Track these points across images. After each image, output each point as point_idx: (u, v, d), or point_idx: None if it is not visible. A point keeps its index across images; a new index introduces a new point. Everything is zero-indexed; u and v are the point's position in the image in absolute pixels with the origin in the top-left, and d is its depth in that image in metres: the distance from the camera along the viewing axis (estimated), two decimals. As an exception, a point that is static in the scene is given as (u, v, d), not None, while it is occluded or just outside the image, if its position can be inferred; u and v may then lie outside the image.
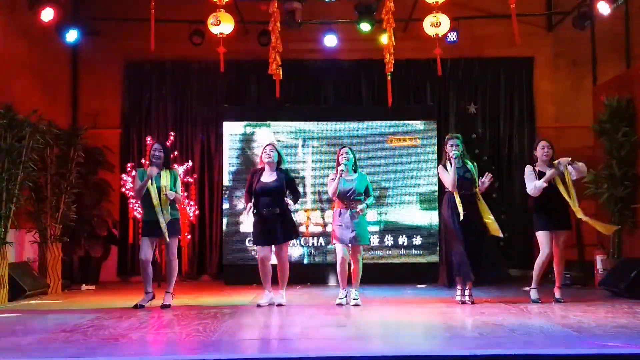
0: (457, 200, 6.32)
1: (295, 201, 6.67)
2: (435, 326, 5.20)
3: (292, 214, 6.70)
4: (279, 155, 6.65)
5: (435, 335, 4.75)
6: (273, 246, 6.56)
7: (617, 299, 6.80)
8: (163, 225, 6.33)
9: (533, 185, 6.56)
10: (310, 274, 8.86)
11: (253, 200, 6.50)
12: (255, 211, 6.48)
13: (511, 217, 9.24)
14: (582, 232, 8.67)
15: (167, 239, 6.38)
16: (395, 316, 5.89)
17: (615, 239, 7.96)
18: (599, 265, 8.04)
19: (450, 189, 6.39)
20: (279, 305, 6.44)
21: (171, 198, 6.42)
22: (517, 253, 9.39)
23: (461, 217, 6.29)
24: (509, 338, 4.40)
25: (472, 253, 6.29)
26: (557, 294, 6.58)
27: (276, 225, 6.45)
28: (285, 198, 6.51)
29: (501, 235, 6.53)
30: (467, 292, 6.46)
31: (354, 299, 6.47)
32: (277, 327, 5.40)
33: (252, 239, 6.69)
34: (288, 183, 6.58)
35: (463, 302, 6.38)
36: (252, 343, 4.68)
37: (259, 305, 6.42)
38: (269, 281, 6.58)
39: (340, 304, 6.43)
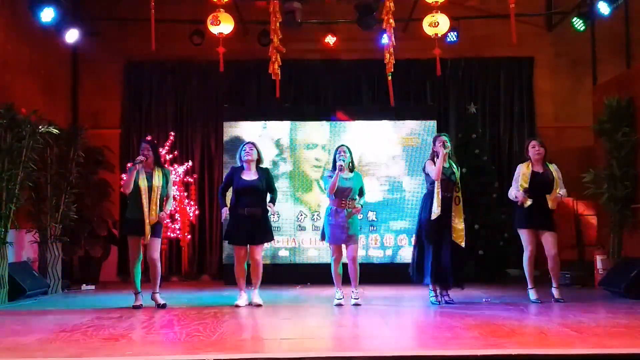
0: (437, 196, 6.24)
1: (273, 200, 6.63)
2: (435, 326, 5.20)
3: (270, 216, 6.66)
4: (259, 153, 6.63)
5: (435, 335, 4.74)
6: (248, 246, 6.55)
7: (617, 299, 6.81)
8: (147, 226, 6.28)
9: (513, 192, 6.65)
10: (310, 274, 8.84)
11: (233, 198, 6.49)
12: (232, 209, 6.45)
13: (511, 217, 9.21)
14: (582, 232, 8.66)
15: (146, 240, 6.31)
16: (395, 316, 5.89)
17: (615, 239, 7.96)
18: (599, 265, 8.04)
19: (434, 178, 6.29)
20: (258, 305, 6.39)
21: (163, 221, 6.51)
22: (517, 253, 9.36)
23: (434, 216, 6.23)
24: (509, 338, 4.40)
25: (441, 255, 6.25)
26: (556, 294, 6.58)
27: (255, 226, 6.41)
28: (268, 204, 6.49)
29: (463, 244, 6.30)
30: (439, 292, 6.44)
31: (354, 299, 6.44)
32: (276, 327, 5.40)
33: (226, 236, 6.59)
34: (268, 182, 6.57)
35: (438, 303, 6.35)
36: (252, 343, 4.67)
37: (237, 306, 6.37)
38: (244, 281, 6.58)
39: (339, 304, 6.41)
